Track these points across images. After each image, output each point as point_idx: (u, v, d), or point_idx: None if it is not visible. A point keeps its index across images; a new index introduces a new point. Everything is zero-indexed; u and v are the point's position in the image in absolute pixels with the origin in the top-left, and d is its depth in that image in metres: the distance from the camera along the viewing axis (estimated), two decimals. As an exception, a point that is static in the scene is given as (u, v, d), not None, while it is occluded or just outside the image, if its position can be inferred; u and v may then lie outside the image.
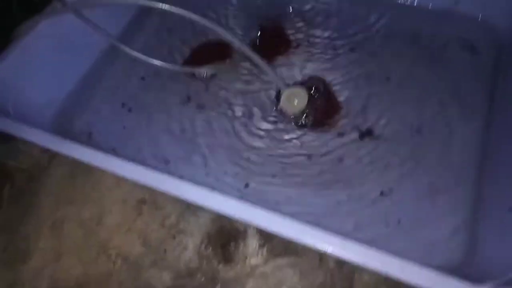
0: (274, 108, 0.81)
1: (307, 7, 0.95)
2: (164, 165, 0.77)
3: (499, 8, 0.86)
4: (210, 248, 0.70)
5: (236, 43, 0.67)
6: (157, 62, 0.78)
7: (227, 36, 0.66)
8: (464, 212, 0.68)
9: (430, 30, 0.89)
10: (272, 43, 0.89)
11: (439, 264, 0.63)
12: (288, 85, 0.75)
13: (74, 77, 0.87)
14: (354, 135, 0.77)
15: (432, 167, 0.73)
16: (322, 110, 0.79)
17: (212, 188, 0.72)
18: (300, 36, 0.91)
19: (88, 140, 0.81)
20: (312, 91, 0.79)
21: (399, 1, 0.93)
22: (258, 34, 0.91)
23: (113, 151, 0.79)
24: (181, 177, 0.73)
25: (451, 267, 0.63)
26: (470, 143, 0.75)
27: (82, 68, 0.88)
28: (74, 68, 0.87)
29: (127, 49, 0.77)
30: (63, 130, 0.82)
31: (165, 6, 0.60)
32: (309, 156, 0.76)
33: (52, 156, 0.81)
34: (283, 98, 0.75)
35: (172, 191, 0.58)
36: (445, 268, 0.63)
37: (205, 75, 0.85)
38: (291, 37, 0.91)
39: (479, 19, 0.88)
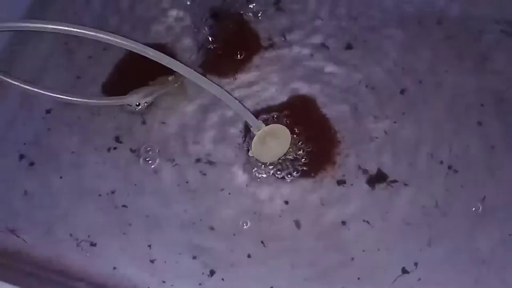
0: (246, 151, 0.56)
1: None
2: (88, 248, 0.52)
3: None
4: None
5: (178, 67, 0.42)
6: (58, 95, 0.51)
7: (161, 58, 0.40)
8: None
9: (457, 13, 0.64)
10: (233, 45, 0.61)
11: None
12: (261, 123, 0.49)
13: None
14: (360, 181, 0.54)
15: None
16: (313, 150, 0.54)
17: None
18: (271, 30, 0.64)
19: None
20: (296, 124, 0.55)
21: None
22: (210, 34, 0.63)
23: (11, 233, 0.53)
24: (113, 269, 0.51)
25: None
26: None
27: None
28: None
29: (13, 80, 0.50)
30: None
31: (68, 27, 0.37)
32: (297, 222, 0.52)
33: None
34: (255, 142, 0.50)
35: None
36: None
37: (138, 106, 0.58)
38: (260, 34, 0.63)
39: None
